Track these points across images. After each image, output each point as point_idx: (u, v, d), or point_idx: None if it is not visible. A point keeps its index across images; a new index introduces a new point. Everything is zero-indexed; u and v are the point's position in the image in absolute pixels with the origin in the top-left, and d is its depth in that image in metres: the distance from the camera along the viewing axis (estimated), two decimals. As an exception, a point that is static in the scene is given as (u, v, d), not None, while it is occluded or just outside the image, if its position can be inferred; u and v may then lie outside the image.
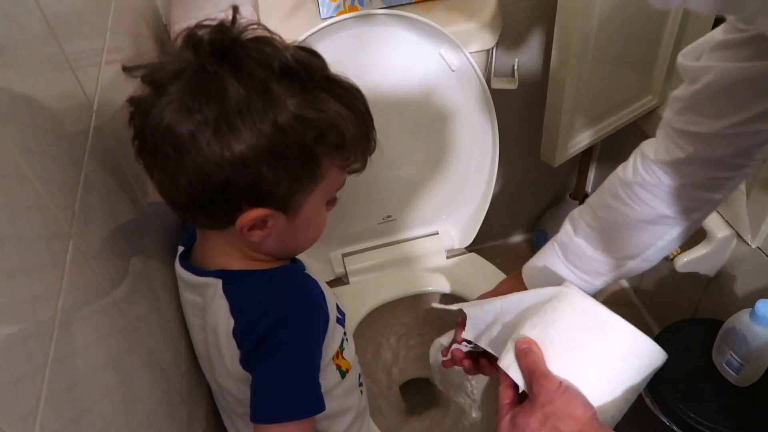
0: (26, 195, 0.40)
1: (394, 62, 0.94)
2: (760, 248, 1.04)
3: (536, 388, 0.54)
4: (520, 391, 0.58)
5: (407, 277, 1.11)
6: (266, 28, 0.56)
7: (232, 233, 0.56)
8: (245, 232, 0.55)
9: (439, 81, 0.98)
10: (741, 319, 0.93)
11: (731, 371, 0.97)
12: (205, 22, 0.53)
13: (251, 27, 0.54)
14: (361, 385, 0.74)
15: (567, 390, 0.54)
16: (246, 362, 0.58)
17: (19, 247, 0.37)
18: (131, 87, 0.58)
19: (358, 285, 1.11)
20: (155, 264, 0.65)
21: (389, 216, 1.12)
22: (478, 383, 1.16)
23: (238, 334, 0.57)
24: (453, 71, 0.96)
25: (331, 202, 0.62)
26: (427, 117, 1.02)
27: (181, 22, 0.93)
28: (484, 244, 1.66)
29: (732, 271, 1.13)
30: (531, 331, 0.59)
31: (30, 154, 0.42)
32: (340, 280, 1.12)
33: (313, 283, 0.63)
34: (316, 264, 1.10)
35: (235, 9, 0.54)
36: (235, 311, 0.58)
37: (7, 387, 0.32)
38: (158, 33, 0.96)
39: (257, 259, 0.61)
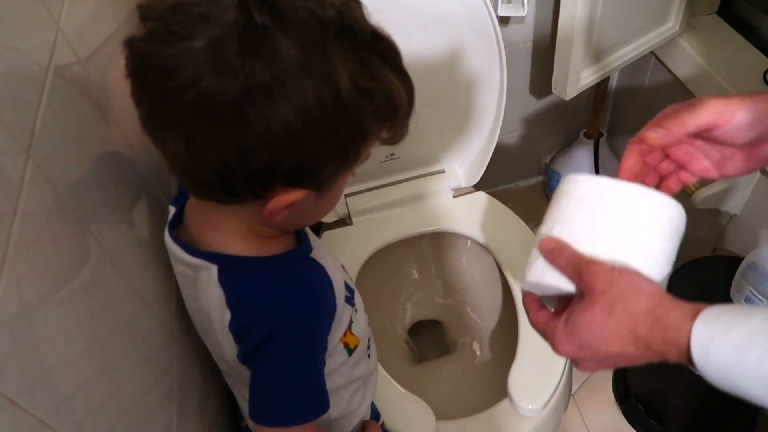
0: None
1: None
2: (785, 181, 0.98)
3: (589, 277, 0.46)
4: (553, 308, 0.51)
5: (412, 217, 1.07)
6: None
7: (246, 208, 0.49)
8: (274, 211, 0.48)
9: (443, 8, 0.91)
10: (762, 254, 0.88)
11: (751, 308, 0.93)
12: None
13: None
14: (369, 348, 0.70)
15: (623, 268, 0.46)
16: (243, 360, 0.53)
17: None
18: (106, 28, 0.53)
19: (362, 225, 1.07)
20: (135, 200, 0.61)
21: (393, 154, 1.07)
22: (486, 326, 1.14)
23: (235, 330, 0.52)
24: (456, -4, 0.90)
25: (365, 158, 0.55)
26: (431, 49, 0.96)
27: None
28: (495, 187, 1.61)
29: (754, 206, 1.07)
30: (550, 232, 0.50)
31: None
32: (343, 221, 1.09)
33: (320, 273, 0.56)
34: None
35: None
36: (231, 304, 0.51)
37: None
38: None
39: (260, 235, 0.53)
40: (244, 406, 0.64)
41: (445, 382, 1.08)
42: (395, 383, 0.87)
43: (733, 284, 0.97)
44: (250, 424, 0.57)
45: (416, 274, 1.17)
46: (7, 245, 0.36)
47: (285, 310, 0.51)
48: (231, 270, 0.52)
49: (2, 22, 0.42)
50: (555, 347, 0.49)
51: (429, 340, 1.18)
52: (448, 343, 1.17)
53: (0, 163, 0.38)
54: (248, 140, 0.42)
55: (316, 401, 0.53)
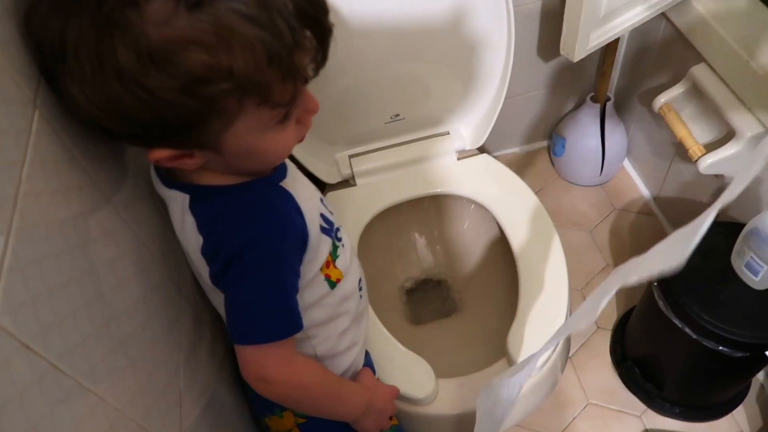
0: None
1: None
2: (791, 147, 0.97)
3: None
4: None
5: (416, 179, 1.07)
6: None
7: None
8: (171, 164, 0.49)
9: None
10: (765, 219, 0.88)
11: (750, 274, 0.94)
12: None
13: None
14: (360, 289, 0.71)
15: None
16: (216, 282, 0.55)
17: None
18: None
19: (366, 187, 1.08)
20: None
21: (397, 115, 1.06)
22: (487, 286, 1.15)
23: (206, 252, 0.54)
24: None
25: (301, 120, 0.53)
26: (438, 8, 0.95)
27: None
28: (499, 151, 1.61)
29: (759, 173, 1.07)
30: None
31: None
32: (347, 182, 1.09)
33: (286, 199, 0.57)
34: (321, 165, 1.06)
35: None
36: (202, 229, 0.54)
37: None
38: None
39: (227, 173, 0.54)
40: None
41: (446, 341, 1.10)
42: (395, 341, 0.89)
43: (735, 250, 0.97)
44: (235, 349, 0.59)
45: (419, 236, 1.18)
46: (17, 193, 0.36)
47: (247, 232, 0.53)
48: (201, 198, 0.54)
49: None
50: None
51: (431, 299, 1.19)
52: (450, 302, 1.18)
53: (8, 111, 0.38)
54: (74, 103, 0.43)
55: (286, 320, 0.55)
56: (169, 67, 0.41)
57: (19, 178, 0.37)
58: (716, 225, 1.08)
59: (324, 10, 0.47)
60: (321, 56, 0.48)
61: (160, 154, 0.48)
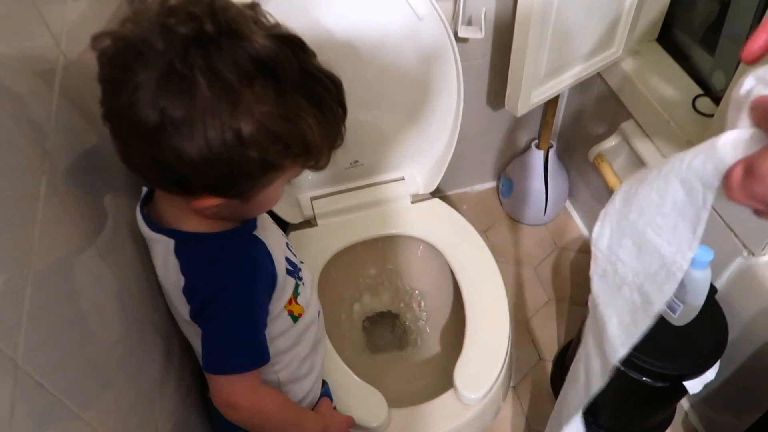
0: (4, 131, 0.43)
1: (362, 7, 0.95)
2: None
3: None
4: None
5: (373, 221, 1.16)
6: (248, 7, 0.54)
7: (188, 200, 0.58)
8: (198, 209, 0.57)
9: (405, 28, 0.99)
10: (681, 263, 1.00)
11: (670, 312, 1.05)
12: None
13: (231, 13, 0.50)
14: (318, 319, 0.79)
15: None
16: (194, 318, 0.63)
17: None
18: (97, 26, 0.60)
19: (326, 227, 1.15)
20: (125, 202, 0.68)
21: (357, 161, 1.15)
22: (437, 321, 1.23)
23: (187, 292, 0.62)
24: (420, 19, 0.98)
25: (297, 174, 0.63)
26: (394, 63, 1.04)
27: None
28: (452, 190, 1.71)
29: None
30: None
31: (2, 93, 0.44)
32: (308, 223, 1.16)
33: (260, 247, 0.65)
34: (285, 207, 1.14)
35: None
36: (184, 271, 0.61)
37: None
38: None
39: (210, 219, 0.62)
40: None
41: (399, 371, 1.17)
42: (351, 372, 0.95)
43: (657, 289, 1.08)
44: (207, 378, 0.67)
45: (375, 272, 1.25)
46: (31, 250, 0.43)
47: (224, 277, 0.61)
48: (185, 243, 0.62)
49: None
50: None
51: (386, 331, 1.27)
52: (403, 335, 1.26)
53: (21, 180, 0.44)
54: (164, 159, 0.51)
55: (255, 354, 0.63)
56: (270, 135, 0.51)
57: (30, 239, 0.44)
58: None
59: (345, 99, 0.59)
60: (343, 134, 0.60)
61: (209, 202, 0.55)
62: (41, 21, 0.55)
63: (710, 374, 1.03)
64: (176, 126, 0.49)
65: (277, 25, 0.55)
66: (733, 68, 1.08)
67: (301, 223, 1.16)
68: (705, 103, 1.16)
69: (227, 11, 0.50)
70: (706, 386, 1.03)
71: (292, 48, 0.52)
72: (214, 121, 0.49)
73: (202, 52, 0.48)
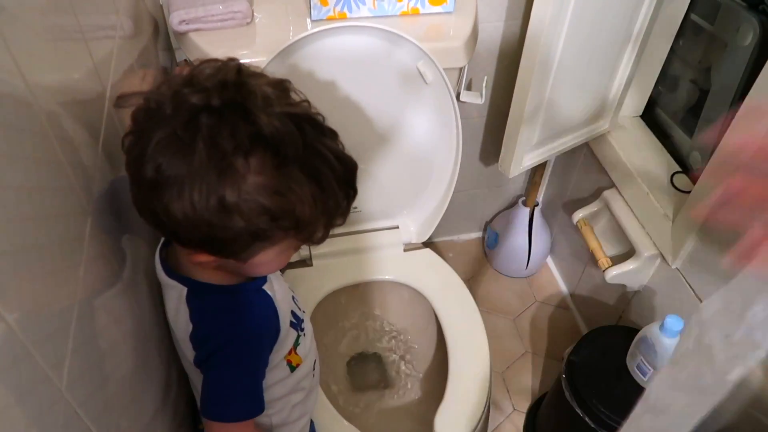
0: (60, 177, 0.48)
1: (374, 67, 1.03)
2: (678, 269, 1.17)
3: None
4: None
5: (365, 265, 1.21)
6: (275, 84, 0.57)
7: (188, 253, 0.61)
8: (197, 263, 0.61)
9: (413, 90, 1.06)
10: (652, 329, 1.06)
11: (641, 374, 1.11)
12: (206, 70, 0.55)
13: (244, 90, 0.54)
14: (314, 369, 0.83)
15: None
16: (197, 365, 0.67)
17: (56, 223, 0.45)
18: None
19: (320, 268, 1.20)
20: (141, 243, 0.73)
21: (355, 207, 1.19)
22: (420, 366, 1.28)
23: (194, 339, 0.66)
24: (427, 84, 1.05)
25: (298, 246, 0.64)
26: (398, 120, 1.12)
27: (180, 9, 1.00)
28: (439, 238, 1.77)
29: (653, 286, 1.26)
30: None
31: (63, 141, 0.49)
32: (304, 262, 1.21)
33: (267, 302, 0.69)
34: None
35: (237, 67, 0.56)
36: (193, 319, 0.65)
37: (43, 340, 0.41)
38: (155, 14, 1.02)
39: (218, 271, 0.65)
40: None
41: (381, 413, 1.21)
42: (335, 411, 0.99)
43: (629, 352, 1.14)
44: (203, 421, 0.70)
45: (364, 314, 1.30)
46: (77, 289, 0.47)
47: (231, 330, 0.65)
48: (197, 293, 0.66)
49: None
50: None
51: (370, 371, 1.31)
52: (387, 377, 1.30)
53: (71, 221, 0.49)
54: (157, 212, 0.55)
55: (252, 404, 0.67)
56: (256, 206, 0.53)
57: (78, 277, 0.48)
58: (618, 329, 1.26)
59: (355, 181, 0.61)
60: (348, 212, 0.62)
61: (205, 258, 0.59)
62: (92, 64, 0.60)
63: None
64: (167, 183, 0.53)
65: (302, 103, 0.59)
66: (708, 151, 1.17)
67: (297, 261, 1.21)
68: (682, 180, 1.25)
69: (240, 87, 0.54)
70: (670, 449, 1.09)
71: (299, 126, 0.55)
72: (201, 185, 0.52)
73: (207, 122, 0.52)
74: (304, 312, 0.80)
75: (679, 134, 1.32)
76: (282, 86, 0.58)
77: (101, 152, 0.59)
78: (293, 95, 0.59)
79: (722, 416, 1.05)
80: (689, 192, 1.18)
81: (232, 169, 0.52)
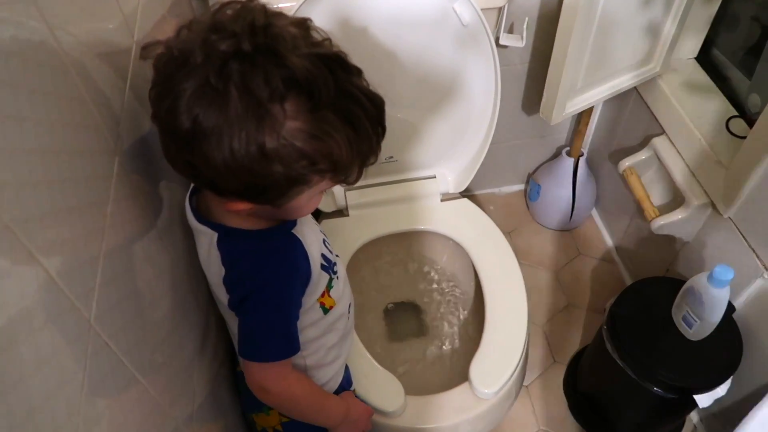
0: (84, 115, 0.48)
1: (409, 11, 0.99)
2: (731, 218, 1.12)
3: None
4: None
5: (402, 215, 1.20)
6: (297, 23, 0.56)
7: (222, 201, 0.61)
8: (232, 210, 0.61)
9: (449, 33, 1.03)
10: (699, 280, 1.02)
11: (686, 326, 1.07)
12: (228, 12, 0.54)
13: (272, 32, 0.53)
14: (349, 312, 0.84)
15: None
16: (232, 308, 0.68)
17: (81, 159, 0.45)
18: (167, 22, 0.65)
19: (357, 218, 1.20)
20: (177, 188, 0.74)
21: (391, 157, 1.19)
22: (457, 316, 1.27)
23: (227, 283, 0.67)
24: (464, 26, 1.01)
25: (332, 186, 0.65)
26: (435, 66, 1.08)
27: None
28: (480, 190, 1.74)
29: (703, 237, 1.21)
30: None
31: (87, 80, 0.49)
32: (340, 212, 1.21)
33: (297, 246, 0.69)
34: (319, 195, 1.18)
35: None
36: (226, 263, 0.66)
37: (72, 270, 0.41)
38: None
39: (250, 217, 0.65)
40: None
41: (418, 361, 1.22)
42: (371, 358, 1.00)
43: (675, 304, 1.10)
44: (241, 362, 0.73)
45: (401, 264, 1.30)
46: (104, 226, 0.48)
47: (262, 274, 0.66)
48: (227, 237, 0.66)
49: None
50: None
51: (407, 321, 1.32)
52: (423, 326, 1.30)
53: (97, 160, 0.50)
54: (195, 163, 0.55)
55: (287, 345, 0.68)
56: (294, 151, 0.53)
57: (105, 214, 0.49)
58: (662, 281, 1.22)
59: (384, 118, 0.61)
60: (379, 150, 0.61)
61: (241, 206, 0.59)
62: (118, 9, 0.60)
63: (721, 390, 1.06)
64: (205, 134, 0.52)
65: (324, 41, 0.57)
66: (769, 92, 1.09)
67: (333, 212, 1.21)
68: (739, 125, 1.17)
69: (268, 30, 0.53)
70: (717, 402, 1.06)
71: (330, 67, 0.54)
72: (240, 134, 0.51)
73: (238, 68, 0.51)
74: (337, 256, 0.80)
75: (737, 76, 1.24)
76: (305, 26, 0.57)
77: (129, 95, 0.59)
78: (314, 34, 0.57)
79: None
80: (745, 137, 1.11)
81: (270, 115, 0.52)
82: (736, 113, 1.20)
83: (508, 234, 1.67)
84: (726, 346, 1.07)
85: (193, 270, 0.73)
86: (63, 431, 0.37)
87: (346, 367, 0.90)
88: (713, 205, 1.15)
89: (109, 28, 0.59)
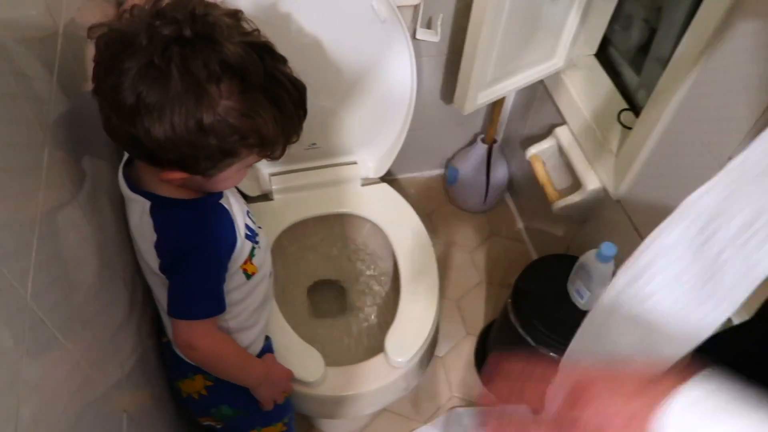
0: (16, 110, 0.51)
1: (327, 7, 1.05)
2: (620, 201, 1.25)
3: None
4: None
5: (325, 200, 1.27)
6: (231, 14, 0.64)
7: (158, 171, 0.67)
8: (166, 180, 0.67)
9: (369, 27, 1.09)
10: (589, 256, 1.14)
11: (579, 297, 1.20)
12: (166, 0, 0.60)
13: (210, 20, 0.60)
14: (270, 278, 0.91)
15: None
16: (163, 271, 0.74)
17: (14, 153, 0.49)
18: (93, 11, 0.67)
19: (281, 202, 1.25)
20: (104, 165, 0.77)
21: (314, 144, 1.25)
22: (376, 293, 1.36)
23: (159, 248, 0.72)
24: (382, 21, 1.08)
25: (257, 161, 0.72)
26: (355, 57, 1.14)
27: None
28: (402, 174, 1.83)
29: (597, 218, 1.34)
30: None
31: (18, 76, 0.53)
32: (265, 196, 1.26)
33: (224, 215, 0.76)
34: (245, 180, 1.22)
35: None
36: (158, 229, 0.72)
37: (5, 255, 0.45)
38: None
39: (180, 188, 0.72)
40: (166, 321, 0.84)
41: (337, 336, 1.30)
42: (294, 333, 1.07)
43: (569, 278, 1.23)
44: (169, 332, 0.81)
45: (324, 245, 1.36)
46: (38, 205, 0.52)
47: (193, 239, 0.73)
48: (160, 206, 0.72)
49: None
50: None
51: (329, 298, 1.39)
52: (344, 302, 1.38)
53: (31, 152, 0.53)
54: (137, 135, 0.62)
55: (214, 304, 0.76)
56: (228, 126, 0.61)
57: (37, 201, 0.53)
58: (562, 257, 1.35)
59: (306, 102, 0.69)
60: (300, 131, 0.70)
61: (176, 175, 0.65)
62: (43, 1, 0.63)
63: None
64: (148, 109, 0.59)
65: (254, 31, 0.65)
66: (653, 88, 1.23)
67: (258, 196, 1.26)
68: (628, 117, 1.31)
69: (206, 19, 0.60)
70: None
71: (260, 54, 0.63)
72: (181, 110, 0.59)
73: (179, 51, 0.58)
74: (260, 227, 0.86)
75: (629, 72, 1.37)
76: (237, 16, 0.65)
77: (56, 84, 0.62)
78: (245, 24, 0.65)
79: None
80: (631, 128, 1.24)
81: (208, 94, 0.59)
82: (627, 106, 1.33)
83: (428, 216, 1.77)
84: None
85: (119, 244, 0.77)
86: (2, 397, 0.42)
87: (269, 339, 0.96)
88: (605, 189, 1.28)
89: (32, 14, 0.61)
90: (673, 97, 1.01)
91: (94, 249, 0.68)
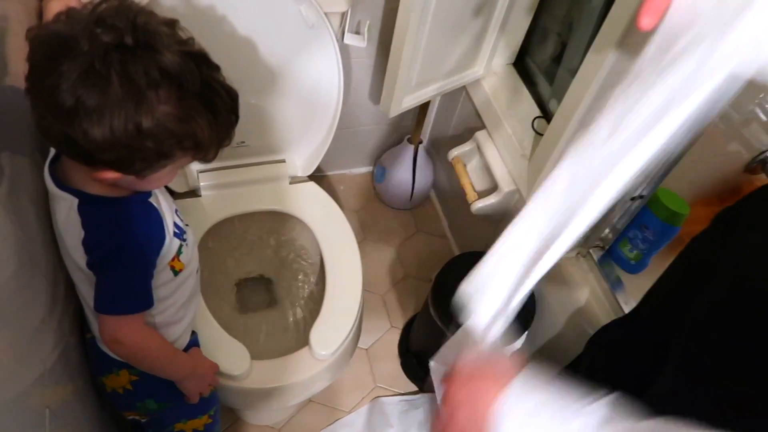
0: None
1: (258, 10, 1.07)
2: (532, 202, 1.34)
3: None
4: None
5: (253, 197, 1.29)
6: (167, 23, 0.66)
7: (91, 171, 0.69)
8: (98, 179, 0.69)
9: (298, 30, 1.12)
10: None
11: (492, 292, 1.28)
12: (104, 5, 0.62)
13: (149, 28, 0.62)
14: (197, 274, 0.93)
15: None
16: (90, 267, 0.75)
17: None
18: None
19: (209, 199, 1.27)
20: (27, 162, 0.77)
21: (243, 142, 1.27)
22: (302, 288, 1.40)
23: (87, 244, 0.74)
24: (310, 26, 1.11)
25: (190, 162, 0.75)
26: (285, 59, 1.18)
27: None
28: (332, 171, 1.87)
29: (513, 217, 1.43)
30: None
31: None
32: (193, 193, 1.27)
33: (152, 213, 0.78)
34: (172, 176, 1.23)
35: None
36: (86, 226, 0.73)
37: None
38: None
39: (110, 186, 0.73)
40: (91, 318, 0.85)
41: (264, 331, 1.33)
42: (219, 327, 1.09)
43: (485, 274, 1.31)
44: (93, 328, 0.82)
45: (252, 242, 1.39)
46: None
47: (122, 237, 0.75)
48: (88, 203, 0.74)
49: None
50: None
51: (257, 293, 1.42)
52: (271, 297, 1.42)
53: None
54: (74, 136, 0.63)
55: (142, 299, 0.78)
56: (165, 131, 0.64)
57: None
58: (480, 254, 1.43)
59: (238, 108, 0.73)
60: (233, 135, 0.74)
61: (110, 175, 0.67)
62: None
63: (518, 344, 1.29)
64: (88, 112, 0.61)
65: (190, 39, 0.68)
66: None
67: (186, 192, 1.27)
68: (541, 124, 1.40)
69: (146, 27, 0.63)
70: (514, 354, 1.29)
71: (197, 63, 0.66)
72: (120, 113, 0.61)
73: (120, 58, 0.61)
74: (187, 225, 0.88)
75: (543, 82, 1.46)
76: (173, 25, 0.68)
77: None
78: (180, 33, 0.68)
79: (555, 327, 1.26)
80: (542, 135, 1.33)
81: (147, 100, 0.61)
82: (540, 114, 1.43)
83: (356, 212, 1.82)
84: (522, 307, 1.29)
85: (43, 240, 0.78)
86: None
87: (195, 334, 0.99)
88: (519, 191, 1.37)
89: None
90: (580, 106, 1.10)
91: (14, 247, 0.68)
